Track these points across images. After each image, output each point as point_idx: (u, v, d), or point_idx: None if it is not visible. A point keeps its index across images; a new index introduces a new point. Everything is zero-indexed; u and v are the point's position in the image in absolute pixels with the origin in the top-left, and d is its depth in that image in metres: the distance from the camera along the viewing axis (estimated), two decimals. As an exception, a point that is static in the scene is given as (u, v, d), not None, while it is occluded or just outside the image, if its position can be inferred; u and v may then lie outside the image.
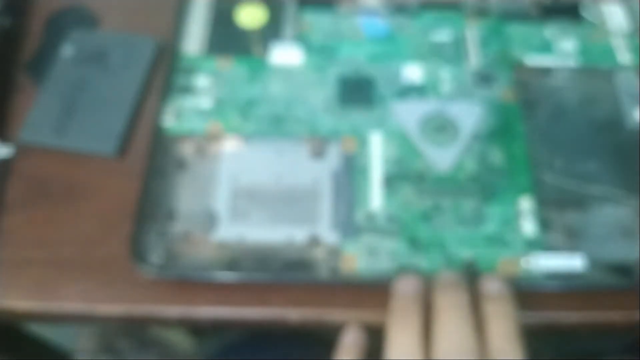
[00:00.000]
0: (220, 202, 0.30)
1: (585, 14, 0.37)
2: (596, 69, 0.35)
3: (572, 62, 0.35)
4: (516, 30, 0.36)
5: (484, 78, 0.34)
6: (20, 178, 0.32)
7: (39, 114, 0.33)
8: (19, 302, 0.29)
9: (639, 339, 0.43)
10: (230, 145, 0.32)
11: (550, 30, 0.37)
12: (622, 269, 0.28)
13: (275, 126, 0.32)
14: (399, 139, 0.32)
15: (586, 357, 0.49)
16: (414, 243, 0.28)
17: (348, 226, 0.29)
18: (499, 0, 0.37)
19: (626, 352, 0.47)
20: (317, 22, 0.36)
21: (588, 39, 0.36)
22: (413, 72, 0.34)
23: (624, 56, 0.35)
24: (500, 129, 0.32)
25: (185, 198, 0.31)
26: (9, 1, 0.37)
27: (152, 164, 0.31)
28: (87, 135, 0.33)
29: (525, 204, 0.29)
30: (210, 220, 0.30)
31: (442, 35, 0.36)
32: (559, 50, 0.36)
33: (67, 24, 0.38)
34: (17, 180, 0.32)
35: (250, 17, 0.36)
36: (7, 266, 0.30)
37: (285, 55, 0.35)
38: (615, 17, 0.37)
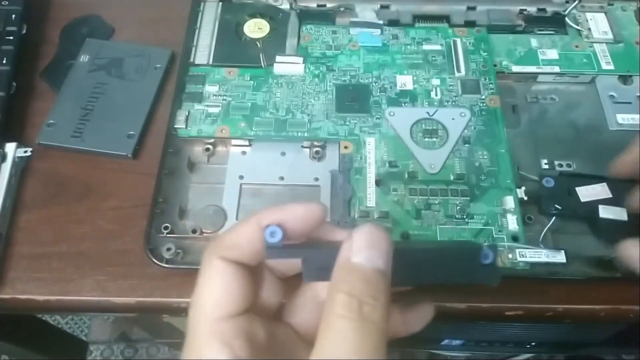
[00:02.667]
0: (228, 200, 0.32)
1: (569, 23, 0.39)
2: (579, 75, 0.37)
3: (556, 69, 0.37)
4: (502, 40, 0.38)
5: (472, 85, 0.36)
6: (40, 178, 0.34)
7: (57, 118, 0.35)
8: (38, 294, 0.30)
9: (622, 331, 0.44)
10: (236, 148, 0.34)
11: (535, 40, 0.38)
12: (601, 263, 0.30)
13: (278, 130, 0.34)
14: (393, 142, 0.33)
15: (569, 348, 0.50)
16: (406, 238, 0.30)
17: (345, 222, 0.30)
18: (486, 12, 0.39)
19: (608, 344, 0.48)
20: (316, 34, 0.38)
21: (572, 47, 0.38)
22: (405, 81, 0.36)
23: (607, 63, 0.37)
24: (486, 133, 0.34)
25: (195, 196, 0.32)
26: (27, 10, 0.39)
27: (165, 165, 0.32)
28: (105, 139, 0.34)
29: (510, 202, 0.31)
30: (218, 216, 0.31)
31: (433, 46, 0.38)
32: (544, 58, 0.37)
33: (83, 33, 0.39)
34: (36, 180, 0.34)
35: (255, 30, 0.38)
36: (27, 260, 0.31)
37: (288, 65, 0.36)
38: (600, 26, 0.39)
